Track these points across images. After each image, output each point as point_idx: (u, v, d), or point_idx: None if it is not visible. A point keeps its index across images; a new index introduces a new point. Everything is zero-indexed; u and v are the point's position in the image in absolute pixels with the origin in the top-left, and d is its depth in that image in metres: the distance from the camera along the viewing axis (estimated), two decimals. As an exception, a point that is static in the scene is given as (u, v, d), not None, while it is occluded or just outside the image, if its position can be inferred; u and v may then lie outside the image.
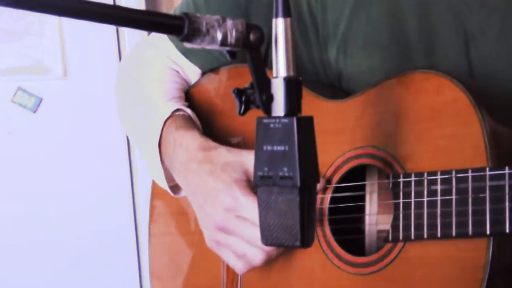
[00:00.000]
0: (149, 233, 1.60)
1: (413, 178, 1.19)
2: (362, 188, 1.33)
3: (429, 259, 1.17)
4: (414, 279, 1.19)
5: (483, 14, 1.30)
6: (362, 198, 1.33)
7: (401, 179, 1.20)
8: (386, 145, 1.24)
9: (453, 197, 1.14)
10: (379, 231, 1.32)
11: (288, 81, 0.98)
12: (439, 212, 1.15)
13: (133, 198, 3.13)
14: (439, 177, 1.16)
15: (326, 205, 1.30)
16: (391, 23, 1.33)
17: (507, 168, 1.10)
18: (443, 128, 1.18)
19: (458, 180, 1.14)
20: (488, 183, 1.11)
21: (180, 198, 1.47)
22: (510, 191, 1.09)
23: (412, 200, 1.18)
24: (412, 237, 1.18)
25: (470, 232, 1.12)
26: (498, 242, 1.11)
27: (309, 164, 0.98)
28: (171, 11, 1.58)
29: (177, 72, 1.54)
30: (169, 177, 1.43)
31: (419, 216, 1.17)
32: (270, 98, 0.99)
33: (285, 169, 0.97)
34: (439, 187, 1.16)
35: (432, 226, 1.16)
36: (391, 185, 1.22)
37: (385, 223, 1.29)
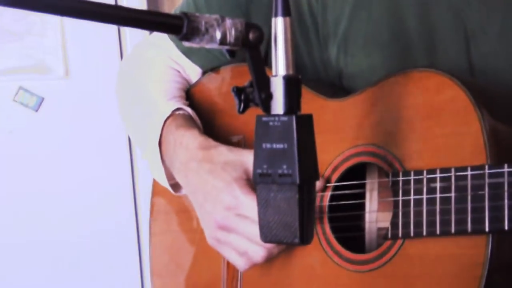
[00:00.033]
0: (150, 231, 1.60)
1: (412, 176, 1.19)
2: (362, 186, 1.33)
3: (428, 256, 1.18)
4: (413, 276, 1.19)
5: (483, 12, 1.30)
6: (362, 196, 1.34)
7: (400, 177, 1.21)
8: (386, 143, 1.24)
9: (452, 194, 1.14)
10: (379, 229, 1.32)
11: (287, 79, 0.98)
12: (438, 210, 1.16)
13: (134, 197, 3.13)
14: (438, 175, 1.16)
15: (326, 202, 1.31)
16: (392, 22, 1.33)
17: (506, 165, 1.10)
18: (442, 126, 1.19)
19: (457, 177, 1.14)
20: (487, 180, 1.11)
21: (180, 196, 1.48)
22: (509, 188, 1.10)
23: (412, 197, 1.19)
24: (412, 234, 1.18)
25: (469, 229, 1.12)
26: (497, 239, 1.12)
27: (308, 162, 0.98)
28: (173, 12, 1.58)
29: (178, 72, 1.54)
30: (169, 176, 1.44)
31: (418, 214, 1.18)
32: (269, 96, 0.99)
33: (284, 166, 0.97)
34: (438, 185, 1.16)
35: (431, 224, 1.16)
36: (390, 183, 1.22)
37: (385, 220, 1.29)
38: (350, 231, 1.32)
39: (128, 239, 3.11)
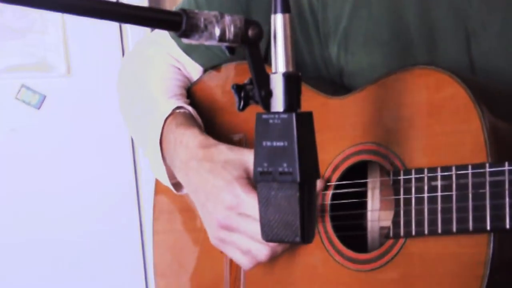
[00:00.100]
0: (153, 230, 1.60)
1: (413, 175, 1.19)
2: (364, 184, 1.33)
3: (429, 256, 1.17)
4: (414, 276, 1.19)
5: (484, 10, 1.30)
6: (363, 195, 1.33)
7: (401, 176, 1.20)
8: (387, 141, 1.24)
9: (453, 193, 1.14)
10: (382, 228, 1.32)
11: (287, 76, 0.98)
12: (439, 208, 1.15)
13: (137, 195, 3.12)
14: (439, 173, 1.16)
15: (328, 201, 1.30)
16: (392, 19, 1.33)
17: (506, 163, 1.10)
18: (443, 124, 1.18)
19: (458, 176, 1.14)
20: (488, 178, 1.11)
21: (183, 195, 1.47)
22: (510, 186, 1.09)
23: (413, 196, 1.18)
24: (413, 233, 1.18)
25: (471, 227, 1.12)
26: (499, 238, 1.11)
27: (308, 160, 0.98)
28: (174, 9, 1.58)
29: (179, 69, 1.54)
30: (171, 175, 1.43)
31: (419, 212, 1.17)
32: (269, 94, 0.99)
33: (285, 164, 0.97)
34: (439, 183, 1.16)
35: (432, 222, 1.16)
36: (391, 181, 1.22)
37: (387, 219, 1.29)
38: (352, 230, 1.31)
39: (131, 237, 3.11)
